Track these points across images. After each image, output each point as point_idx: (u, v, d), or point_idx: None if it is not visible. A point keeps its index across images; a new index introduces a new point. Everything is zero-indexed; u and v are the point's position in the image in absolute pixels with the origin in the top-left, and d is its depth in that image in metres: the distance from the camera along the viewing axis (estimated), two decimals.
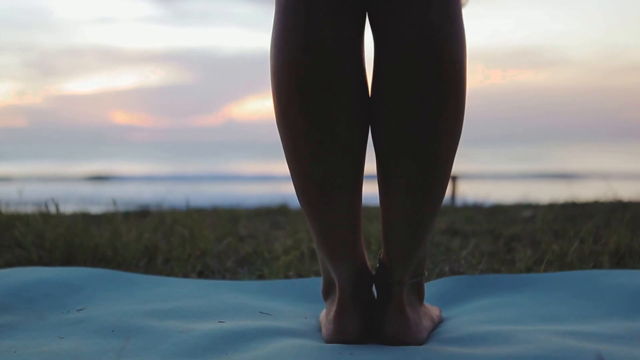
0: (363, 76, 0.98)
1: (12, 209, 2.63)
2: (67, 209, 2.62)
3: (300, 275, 1.61)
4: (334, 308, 1.05)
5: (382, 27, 0.96)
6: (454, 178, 5.76)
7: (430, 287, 1.33)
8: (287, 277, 1.60)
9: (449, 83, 0.94)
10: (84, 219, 2.34)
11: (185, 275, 1.64)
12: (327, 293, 1.10)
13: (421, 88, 0.93)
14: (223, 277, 1.63)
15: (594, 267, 1.58)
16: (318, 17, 0.95)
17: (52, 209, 2.08)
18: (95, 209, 2.98)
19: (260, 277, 1.62)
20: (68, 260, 1.73)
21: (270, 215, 2.90)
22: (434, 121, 0.94)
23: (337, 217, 1.00)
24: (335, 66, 0.95)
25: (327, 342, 1.04)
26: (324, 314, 1.12)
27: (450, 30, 0.94)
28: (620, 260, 1.65)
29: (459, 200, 4.09)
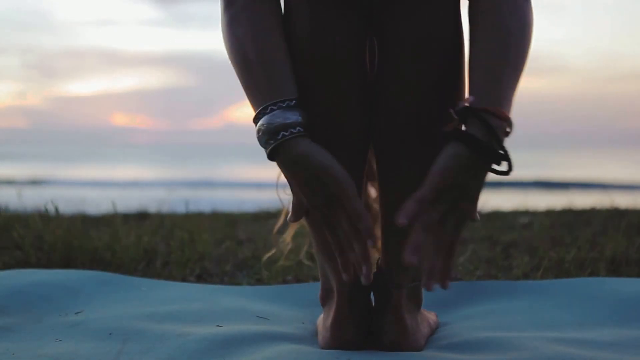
0: (366, 77, 0.99)
1: (12, 210, 2.63)
2: (67, 210, 2.62)
3: (298, 280, 1.61)
4: (331, 314, 1.05)
5: (384, 29, 0.97)
6: None
7: (428, 293, 1.33)
8: (285, 281, 1.60)
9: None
10: (83, 221, 2.34)
11: (184, 279, 1.64)
12: (325, 299, 1.10)
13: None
14: (222, 281, 1.64)
15: (591, 274, 1.58)
16: (323, 18, 0.96)
17: (52, 211, 2.09)
18: (94, 212, 2.98)
19: (259, 281, 1.62)
20: (67, 262, 1.73)
21: (270, 219, 2.90)
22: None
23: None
24: (340, 69, 0.97)
25: (324, 348, 1.04)
26: (321, 320, 1.12)
27: (448, 35, 0.96)
28: (617, 268, 1.65)
29: None
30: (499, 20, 0.92)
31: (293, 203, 1.00)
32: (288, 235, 1.40)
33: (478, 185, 0.89)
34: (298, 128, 0.92)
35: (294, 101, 0.94)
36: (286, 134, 0.92)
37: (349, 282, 0.97)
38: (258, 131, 0.94)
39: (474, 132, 0.87)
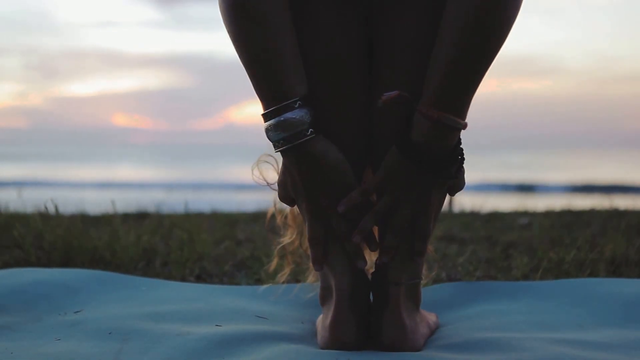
0: (367, 77, 1.00)
1: (12, 210, 2.63)
2: (67, 210, 2.62)
3: (297, 280, 1.61)
4: (330, 314, 1.04)
5: (383, 29, 0.98)
6: None
7: (427, 294, 1.33)
8: (285, 281, 1.60)
9: None
10: (83, 221, 2.34)
11: (183, 279, 1.64)
12: (325, 299, 1.10)
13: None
14: (221, 281, 1.64)
15: (590, 275, 1.58)
16: (323, 18, 0.97)
17: (52, 210, 2.09)
18: (94, 211, 2.99)
19: (258, 281, 1.62)
20: (66, 261, 1.73)
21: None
22: None
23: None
24: (340, 69, 0.97)
25: (323, 348, 1.04)
26: (321, 320, 1.12)
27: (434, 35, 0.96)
28: (617, 269, 1.65)
29: (455, 207, 4.10)
30: (465, 18, 0.88)
31: (279, 194, 1.05)
32: (272, 264, 1.41)
33: (415, 184, 0.95)
34: (312, 128, 0.95)
35: (305, 99, 0.95)
36: (307, 133, 0.94)
37: (361, 269, 1.02)
38: (275, 127, 0.95)
39: (413, 133, 0.93)
